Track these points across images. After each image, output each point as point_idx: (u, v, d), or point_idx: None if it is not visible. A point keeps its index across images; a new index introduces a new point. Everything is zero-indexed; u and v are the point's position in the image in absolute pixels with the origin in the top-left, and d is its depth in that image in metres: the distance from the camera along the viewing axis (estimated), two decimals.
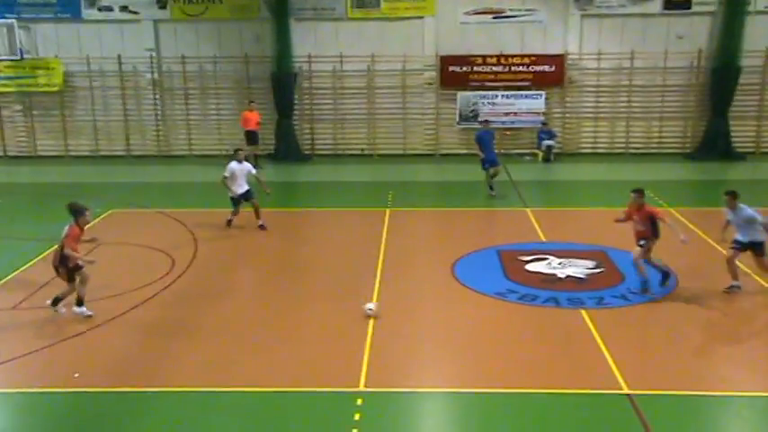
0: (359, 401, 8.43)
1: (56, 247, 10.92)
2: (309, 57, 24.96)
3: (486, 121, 20.35)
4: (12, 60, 24.42)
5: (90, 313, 10.87)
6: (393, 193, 19.25)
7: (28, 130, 26.05)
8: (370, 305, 11.01)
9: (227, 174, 15.49)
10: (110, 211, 17.65)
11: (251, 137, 23.38)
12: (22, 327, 10.75)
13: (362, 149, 25.68)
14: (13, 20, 24.25)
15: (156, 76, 25.44)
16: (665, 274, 12.01)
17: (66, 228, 10.72)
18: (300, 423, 8.17)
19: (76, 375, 9.15)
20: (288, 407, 8.48)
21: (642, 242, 11.87)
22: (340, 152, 25.69)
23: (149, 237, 15.46)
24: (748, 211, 11.53)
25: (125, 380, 9.09)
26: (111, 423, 8.23)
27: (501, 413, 8.34)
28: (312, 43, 24.91)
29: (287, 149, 24.85)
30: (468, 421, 8.30)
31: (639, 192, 11.94)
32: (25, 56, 24.47)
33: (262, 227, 15.76)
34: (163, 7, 24.95)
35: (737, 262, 11.82)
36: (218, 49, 25.14)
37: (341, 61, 25.00)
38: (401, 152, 25.51)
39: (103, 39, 25.26)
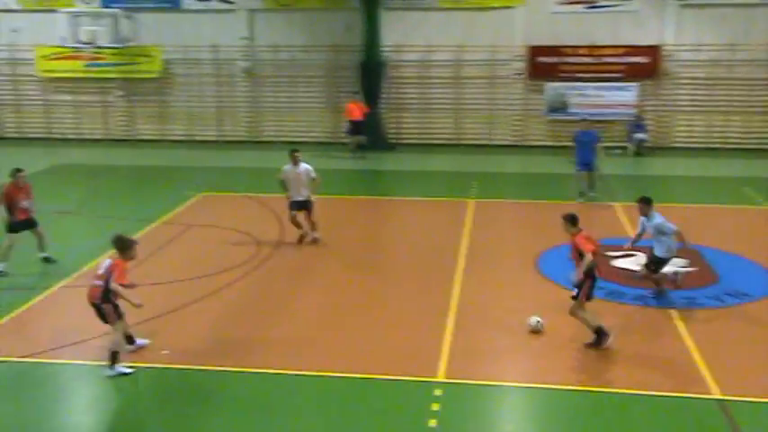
0: (437, 392, 8.46)
1: (98, 283, 8.86)
2: (397, 46, 25.02)
3: (584, 120, 19.18)
4: (115, 48, 25.64)
5: (129, 371, 8.94)
6: (478, 184, 19.12)
7: (128, 114, 27.15)
8: (537, 318, 10.21)
9: (281, 176, 14.16)
10: (201, 194, 18.24)
11: (355, 127, 23.68)
12: None
13: (448, 139, 25.59)
14: (118, 9, 25.49)
15: (249, 64, 26.04)
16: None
17: (108, 262, 8.91)
18: (378, 409, 8.26)
19: (165, 352, 9.47)
20: (366, 393, 8.58)
21: None
22: (425, 141, 25.69)
23: (238, 220, 15.87)
24: (657, 220, 11.02)
25: (210, 358, 9.37)
26: (191, 400, 8.45)
27: (581, 411, 8.21)
28: (400, 32, 24.95)
29: (373, 138, 25.00)
30: (547, 417, 8.22)
31: None
32: (127, 44, 25.65)
33: (315, 240, 14.16)
34: None
35: None
36: (310, 38, 25.49)
37: (428, 51, 24.93)
38: (487, 143, 25.29)
39: (201, 28, 26.02)
